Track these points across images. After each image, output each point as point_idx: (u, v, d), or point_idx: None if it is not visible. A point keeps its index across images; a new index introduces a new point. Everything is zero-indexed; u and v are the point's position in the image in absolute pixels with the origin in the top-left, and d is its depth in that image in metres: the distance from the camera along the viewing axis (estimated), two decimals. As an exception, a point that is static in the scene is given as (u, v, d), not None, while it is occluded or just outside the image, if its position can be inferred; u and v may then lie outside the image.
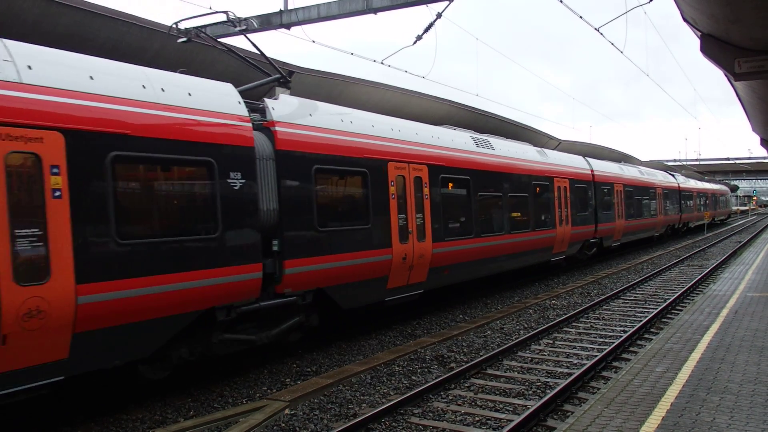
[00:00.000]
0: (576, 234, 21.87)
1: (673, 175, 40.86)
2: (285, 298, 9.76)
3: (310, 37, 14.94)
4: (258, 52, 11.81)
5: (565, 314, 14.30)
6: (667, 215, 35.88)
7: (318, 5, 15.95)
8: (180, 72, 9.14)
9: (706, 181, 59.85)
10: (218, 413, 7.99)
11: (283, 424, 7.60)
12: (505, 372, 9.84)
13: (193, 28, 11.20)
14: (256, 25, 11.27)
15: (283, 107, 10.37)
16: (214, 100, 8.93)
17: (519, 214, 17.51)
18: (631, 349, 11.22)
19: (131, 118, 7.64)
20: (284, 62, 17.10)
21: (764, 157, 70.56)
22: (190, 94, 8.57)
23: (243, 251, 8.89)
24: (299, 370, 10.12)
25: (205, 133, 8.51)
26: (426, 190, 13.19)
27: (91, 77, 7.44)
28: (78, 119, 7.07)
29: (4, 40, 6.91)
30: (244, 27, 11.47)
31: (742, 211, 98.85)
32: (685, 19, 12.75)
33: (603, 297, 16.33)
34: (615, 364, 10.22)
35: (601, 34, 15.54)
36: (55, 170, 6.79)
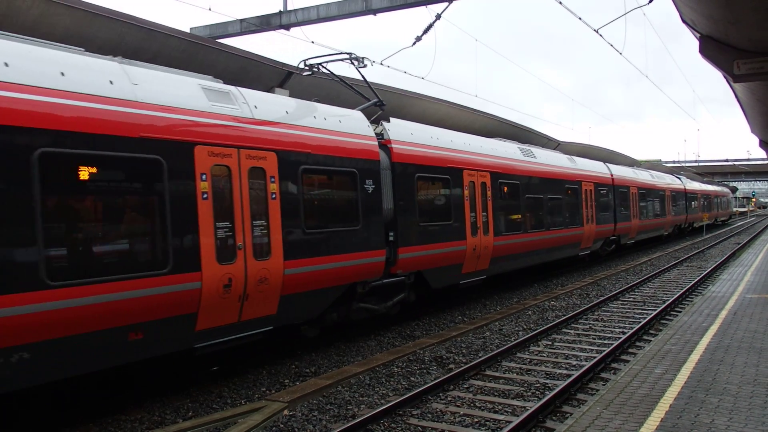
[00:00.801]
0: (599, 231, 24.50)
1: (679, 178, 43.48)
2: (397, 277, 12.53)
3: (309, 37, 14.99)
4: (365, 84, 14.68)
5: (564, 315, 14.31)
6: (675, 216, 38.21)
7: (317, 6, 15.98)
8: (314, 101, 11.65)
9: (709, 183, 60.93)
10: (217, 414, 7.98)
11: (282, 425, 7.60)
12: (504, 373, 9.84)
13: (317, 64, 13.55)
14: (366, 63, 13.67)
15: (395, 128, 13.12)
16: (353, 125, 11.69)
17: (555, 213, 20.21)
18: (630, 350, 11.22)
19: (311, 140, 10.45)
20: (283, 63, 17.11)
21: (763, 159, 70.61)
22: (340, 121, 11.36)
23: (374, 240, 11.72)
24: (298, 370, 10.12)
25: (352, 150, 11.33)
26: (489, 193, 15.98)
27: (287, 112, 10.35)
28: (285, 143, 9.87)
29: (279, 91, 10.44)
30: (364, 65, 13.70)
31: (741, 213, 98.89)
32: (684, 21, 12.77)
33: (602, 298, 16.34)
34: (614, 365, 10.23)
35: (601, 35, 15.55)
36: (272, 179, 9.55)
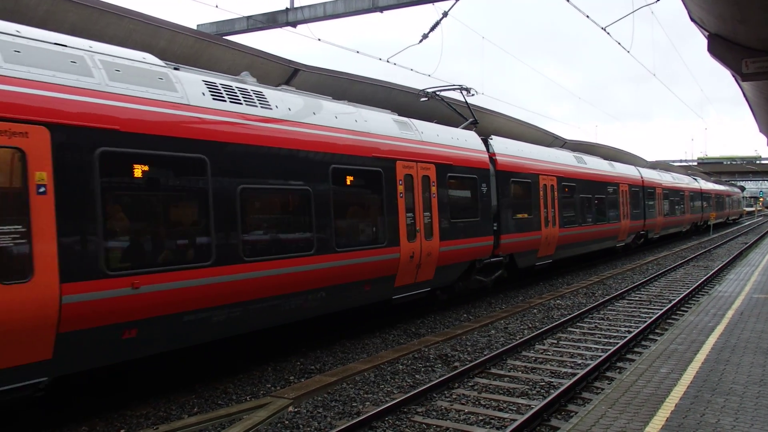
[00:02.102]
0: (632, 226, 28.27)
1: (696, 179, 47.41)
2: (498, 257, 16.31)
3: (315, 35, 15.00)
4: (465, 105, 18.94)
5: (570, 314, 14.28)
6: (693, 214, 42.12)
7: (324, 3, 15.97)
8: (435, 122, 15.06)
9: (719, 183, 62.04)
10: (222, 410, 8.01)
11: (287, 422, 7.61)
12: (509, 371, 9.83)
13: (432, 92, 17.86)
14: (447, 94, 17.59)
15: (497, 144, 17.16)
16: (472, 142, 15.66)
17: (600, 210, 24.02)
18: (636, 349, 11.19)
19: (452, 155, 14.36)
20: (289, 60, 17.11)
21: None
22: (466, 140, 15.35)
23: (487, 228, 15.53)
24: (303, 367, 10.13)
25: (474, 161, 15.21)
26: (555, 193, 19.78)
27: (437, 135, 14.20)
28: (439, 157, 13.75)
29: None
30: (472, 95, 17.90)
31: (749, 212, 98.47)
32: (692, 19, 12.70)
33: (608, 297, 16.30)
34: (619, 364, 10.20)
35: (608, 33, 15.50)
36: (433, 183, 13.39)
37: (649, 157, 61.59)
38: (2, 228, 6.21)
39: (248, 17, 16.79)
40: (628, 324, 13.40)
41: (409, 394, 8.23)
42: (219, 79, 9.30)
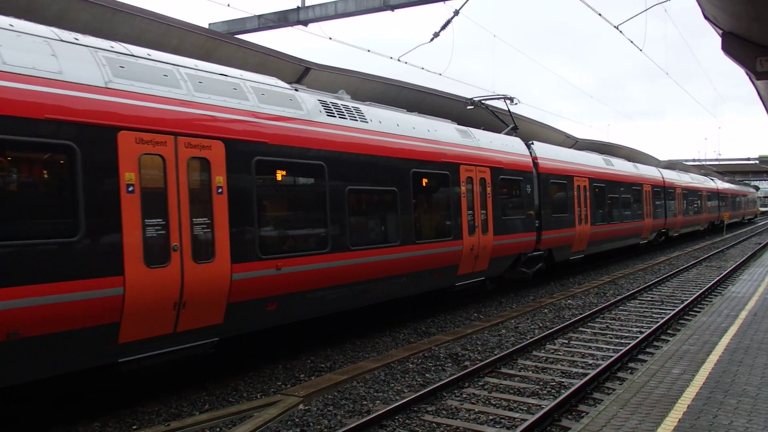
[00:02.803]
0: (654, 225, 29.98)
1: (712, 180, 48.92)
2: (539, 251, 17.96)
3: (326, 33, 15.01)
4: (508, 113, 20.52)
5: (581, 314, 14.22)
6: (710, 213, 43.43)
7: (335, 2, 15.97)
8: (483, 129, 16.73)
9: (734, 183, 62.20)
10: (233, 407, 8.04)
11: (297, 420, 7.63)
12: (520, 371, 9.80)
13: (479, 100, 19.98)
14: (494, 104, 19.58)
15: (538, 149, 18.91)
16: (518, 147, 17.53)
17: (627, 209, 25.73)
18: (648, 350, 11.12)
19: (503, 159, 16.19)
20: (300, 58, 17.13)
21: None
22: (513, 146, 17.22)
23: (531, 225, 17.36)
24: (313, 365, 10.15)
25: (520, 165, 17.08)
26: (587, 193, 21.48)
27: (491, 141, 16.22)
28: (492, 161, 15.57)
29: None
30: (515, 104, 19.90)
31: (763, 212, 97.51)
32: (706, 17, 12.60)
33: (619, 297, 16.21)
34: (631, 365, 10.14)
35: (621, 32, 15.40)
36: (488, 184, 15.21)
37: (662, 156, 61.27)
38: (197, 220, 8.11)
39: (259, 16, 16.82)
40: (639, 324, 13.31)
41: (419, 393, 8.23)
42: (327, 98, 11.12)
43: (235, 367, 9.95)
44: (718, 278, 19.36)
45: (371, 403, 8.23)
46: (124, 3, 12.41)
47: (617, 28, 15.42)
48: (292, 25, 16.54)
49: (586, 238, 21.21)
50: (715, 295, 16.85)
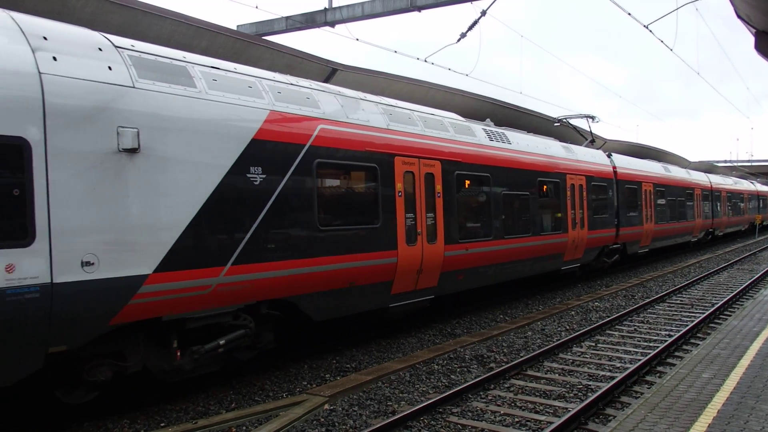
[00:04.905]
0: (703, 225, 33.21)
1: (753, 183, 52.60)
2: (617, 245, 21.48)
3: (353, 35, 15.04)
4: (589, 131, 25.19)
5: (608, 317, 14.06)
6: (750, 214, 46.53)
7: (362, 3, 16.02)
8: (566, 144, 19.62)
9: None
10: (259, 406, 8.11)
11: (323, 419, 7.67)
12: (546, 373, 9.73)
13: (564, 118, 24.49)
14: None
15: (616, 159, 22.41)
16: (601, 159, 21.08)
17: (682, 210, 29.09)
18: (677, 353, 10.95)
19: (593, 169, 19.71)
20: (327, 59, 17.23)
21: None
22: (599, 158, 20.98)
23: (612, 222, 20.81)
24: (339, 366, 10.19)
25: (605, 173, 20.68)
26: (652, 196, 24.87)
27: (587, 154, 20.18)
28: (587, 171, 19.20)
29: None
30: (595, 121, 24.43)
31: None
32: (739, 16, 12.37)
33: (648, 300, 15.99)
34: (659, 368, 9.99)
35: (651, 31, 15.20)
36: (583, 190, 18.72)
37: (692, 158, 60.24)
38: (428, 215, 11.86)
39: (287, 17, 16.94)
40: (668, 327, 13.12)
41: (444, 394, 8.22)
42: (487, 126, 15.00)
43: (261, 366, 10.04)
44: (749, 281, 18.98)
45: (396, 404, 8.24)
46: (154, 6, 12.60)
47: (647, 28, 15.22)
48: (319, 27, 16.64)
49: (650, 235, 24.59)
50: (747, 299, 16.52)
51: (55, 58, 6.64)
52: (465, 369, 9.93)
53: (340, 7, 16.14)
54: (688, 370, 8.10)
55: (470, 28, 14.73)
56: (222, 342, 8.32)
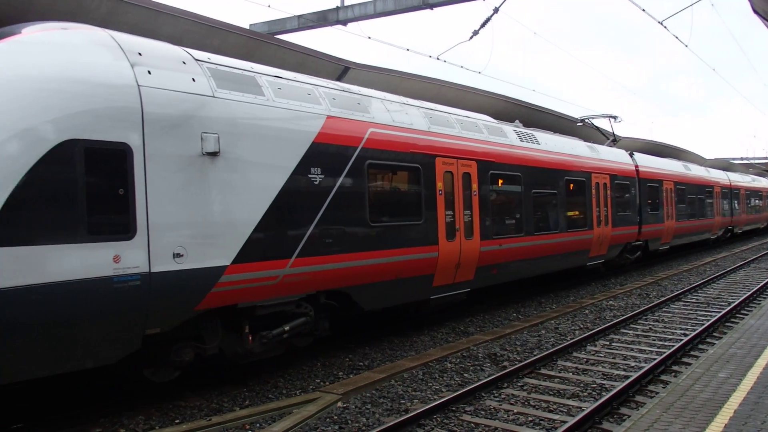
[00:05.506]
0: (722, 222, 34.15)
1: None
2: (639, 242, 22.05)
3: (365, 33, 15.05)
4: (611, 132, 25.58)
5: (623, 315, 13.97)
6: None
7: (374, 1, 15.99)
8: (590, 145, 20.08)
9: None
10: (272, 404, 8.13)
11: (336, 417, 7.68)
12: (560, 372, 9.68)
13: (586, 118, 25.02)
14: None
15: (638, 158, 23.02)
16: (623, 157, 21.68)
17: (701, 208, 29.80)
18: (692, 353, 10.86)
19: (616, 168, 20.32)
20: (339, 57, 17.23)
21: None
22: (622, 157, 21.41)
23: (634, 220, 21.38)
24: (352, 363, 10.20)
25: (628, 172, 21.25)
26: (673, 194, 25.55)
27: (611, 153, 20.96)
28: (611, 170, 19.94)
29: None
30: (618, 122, 24.65)
31: None
32: (755, 11, 12.23)
33: (663, 299, 15.86)
34: (675, 368, 9.91)
35: (665, 27, 15.07)
36: (607, 188, 19.33)
37: (707, 155, 59.68)
38: (465, 212, 12.57)
39: (299, 16, 16.95)
40: (684, 326, 13.01)
41: (457, 393, 8.20)
42: (517, 128, 15.69)
43: (274, 363, 10.06)
44: (767, 280, 18.77)
45: (409, 402, 8.24)
46: (167, 5, 12.66)
47: (662, 24, 15.09)
48: (331, 25, 16.63)
49: (671, 232, 25.17)
50: (764, 297, 16.34)
51: (149, 72, 7.39)
52: (478, 367, 9.91)
53: (352, 6, 16.13)
54: (703, 370, 8.02)
55: (482, 25, 14.67)
56: (287, 328, 9.05)
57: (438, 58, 16.33)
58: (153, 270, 7.07)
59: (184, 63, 7.99)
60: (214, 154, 7.79)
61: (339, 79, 17.03)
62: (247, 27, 16.72)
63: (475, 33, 14.83)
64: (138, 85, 7.18)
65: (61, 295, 6.36)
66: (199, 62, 8.25)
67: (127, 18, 12.09)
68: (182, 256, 7.40)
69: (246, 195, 8.23)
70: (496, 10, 14.38)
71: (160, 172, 7.24)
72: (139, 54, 7.45)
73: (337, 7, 16.32)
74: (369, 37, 15.65)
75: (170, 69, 7.71)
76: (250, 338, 8.59)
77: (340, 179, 9.68)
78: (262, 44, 14.96)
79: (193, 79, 7.89)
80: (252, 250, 8.22)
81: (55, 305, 6.34)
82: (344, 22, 16.33)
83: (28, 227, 6.24)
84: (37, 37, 6.85)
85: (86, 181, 6.64)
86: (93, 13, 11.62)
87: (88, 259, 6.57)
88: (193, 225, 7.57)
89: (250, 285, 8.25)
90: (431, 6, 15.47)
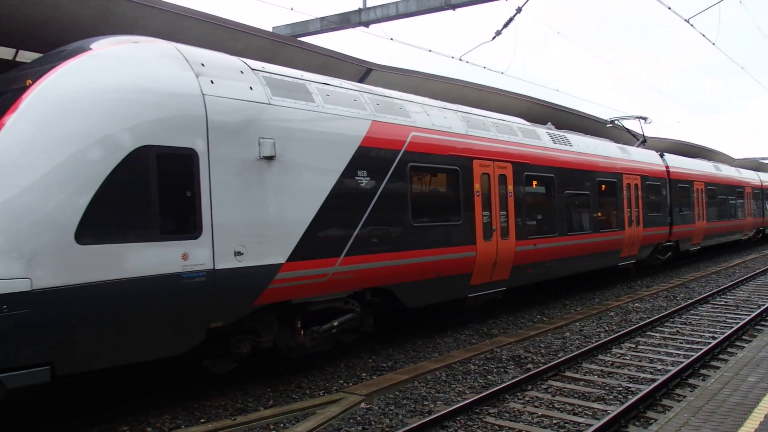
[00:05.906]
0: (754, 223, 34.03)
1: None
2: (670, 242, 22.21)
3: (388, 34, 15.07)
4: (641, 134, 25.53)
5: (649, 318, 13.78)
6: None
7: (396, 2, 16.01)
8: (622, 145, 20.49)
9: None
10: (296, 404, 8.17)
11: (359, 418, 7.69)
12: (585, 375, 9.58)
13: (616, 119, 25.15)
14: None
15: (669, 159, 23.11)
16: (654, 158, 21.83)
17: (732, 209, 29.68)
18: (721, 356, 10.67)
19: (648, 170, 20.55)
20: (361, 59, 17.26)
21: None
22: (652, 157, 21.64)
23: (665, 220, 21.55)
24: (375, 365, 10.20)
25: (658, 172, 21.48)
26: (703, 195, 25.64)
27: (642, 155, 21.19)
28: (642, 171, 20.04)
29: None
30: (648, 123, 24.71)
31: None
32: (785, 8, 11.98)
33: (690, 301, 15.62)
34: (703, 371, 9.75)
35: (692, 25, 14.87)
36: (638, 189, 19.57)
37: (735, 154, 58.67)
38: (501, 213, 12.87)
39: (322, 18, 17.03)
40: (712, 329, 12.79)
41: (481, 395, 8.16)
42: (550, 130, 16.00)
43: (298, 364, 10.11)
44: (797, 282, 18.39)
45: (432, 404, 8.22)
46: (192, 9, 12.80)
47: (688, 22, 14.88)
48: (353, 27, 16.67)
49: (702, 233, 25.23)
50: (795, 300, 16.01)
51: (212, 82, 7.84)
52: (502, 369, 9.85)
53: (374, 7, 16.16)
54: (733, 374, 7.89)
55: (505, 25, 14.61)
56: (336, 324, 9.46)
57: (461, 59, 16.29)
58: (217, 267, 7.48)
59: (241, 72, 8.42)
60: (270, 158, 8.21)
61: (362, 80, 17.06)
62: (270, 30, 16.83)
63: (498, 33, 14.78)
64: (203, 94, 7.62)
65: (137, 289, 6.80)
66: (255, 71, 8.67)
67: (152, 22, 12.25)
68: (243, 254, 7.80)
69: (299, 196, 8.64)
70: (519, 10, 14.30)
71: (222, 175, 7.67)
72: (202, 65, 7.89)
73: (360, 8, 16.36)
74: (391, 39, 15.67)
75: (230, 78, 8.15)
76: (302, 333, 9.00)
77: (385, 181, 10.09)
78: (285, 47, 15.05)
79: (251, 88, 8.32)
80: (305, 249, 8.62)
81: (131, 299, 6.77)
82: (366, 24, 16.36)
83: (108, 227, 6.67)
84: (112, 51, 7.29)
85: (158, 185, 7.09)
86: (120, 17, 11.79)
87: (160, 257, 7.01)
88: (251, 225, 7.96)
89: (302, 282, 8.67)
90: (453, 7, 15.43)
